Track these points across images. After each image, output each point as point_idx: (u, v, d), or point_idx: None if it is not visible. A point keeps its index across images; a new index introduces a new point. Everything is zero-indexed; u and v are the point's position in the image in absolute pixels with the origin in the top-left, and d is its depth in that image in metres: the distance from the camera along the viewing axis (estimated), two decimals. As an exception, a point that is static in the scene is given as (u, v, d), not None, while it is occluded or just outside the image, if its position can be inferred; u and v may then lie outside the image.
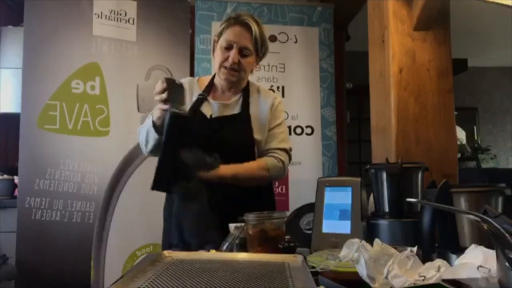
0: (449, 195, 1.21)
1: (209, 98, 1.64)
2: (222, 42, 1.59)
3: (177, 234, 1.44)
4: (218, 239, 1.26)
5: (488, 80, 6.15)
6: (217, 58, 1.62)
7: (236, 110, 1.65)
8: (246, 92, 1.68)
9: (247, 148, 1.61)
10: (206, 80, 1.72)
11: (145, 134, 1.55)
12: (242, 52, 1.59)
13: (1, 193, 3.13)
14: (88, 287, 2.60)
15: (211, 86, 1.68)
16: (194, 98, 1.64)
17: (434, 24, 2.13)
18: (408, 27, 2.14)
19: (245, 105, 1.65)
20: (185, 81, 1.67)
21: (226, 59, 1.58)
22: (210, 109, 1.62)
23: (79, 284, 2.57)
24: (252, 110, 1.65)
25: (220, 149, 1.43)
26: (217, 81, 1.68)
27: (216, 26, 2.75)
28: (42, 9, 2.72)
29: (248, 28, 1.59)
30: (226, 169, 1.47)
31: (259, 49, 1.64)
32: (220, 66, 1.60)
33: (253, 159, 1.62)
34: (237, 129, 1.61)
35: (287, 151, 1.67)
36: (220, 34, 1.62)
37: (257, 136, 1.62)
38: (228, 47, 1.58)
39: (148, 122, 1.52)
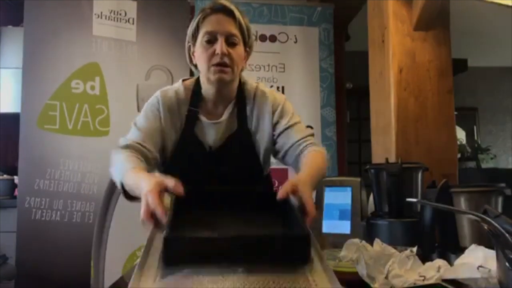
0: (449, 195, 1.21)
1: (201, 116, 1.38)
2: (202, 38, 1.31)
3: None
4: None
5: (488, 80, 6.14)
6: (200, 59, 1.33)
7: (234, 127, 1.39)
8: (241, 99, 1.41)
9: (253, 170, 1.40)
10: (190, 85, 1.42)
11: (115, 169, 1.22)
12: (229, 41, 1.31)
13: (1, 193, 3.12)
14: (88, 287, 2.60)
15: (198, 97, 1.39)
16: (183, 112, 1.38)
17: (434, 24, 2.14)
18: (408, 27, 2.14)
19: (242, 117, 1.39)
20: (169, 91, 1.39)
21: (212, 54, 1.29)
22: (204, 132, 1.38)
23: (79, 284, 2.56)
24: (252, 121, 1.40)
25: (224, 180, 1.32)
26: (205, 90, 1.38)
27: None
28: (42, 9, 2.72)
29: (229, 13, 1.33)
30: (306, 180, 1.08)
31: (246, 37, 1.36)
32: (208, 65, 1.31)
33: (261, 178, 1.43)
34: (240, 154, 1.38)
35: (313, 135, 1.40)
36: (195, 32, 1.34)
37: (263, 151, 1.40)
38: (211, 40, 1.30)
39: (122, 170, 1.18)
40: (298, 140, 1.34)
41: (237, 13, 1.33)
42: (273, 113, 1.39)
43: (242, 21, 1.34)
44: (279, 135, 1.38)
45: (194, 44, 1.36)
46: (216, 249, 0.74)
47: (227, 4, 1.33)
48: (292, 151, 1.34)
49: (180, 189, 0.96)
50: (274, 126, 1.39)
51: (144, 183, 1.01)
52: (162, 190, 0.97)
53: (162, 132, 1.35)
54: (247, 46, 1.39)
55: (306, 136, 1.35)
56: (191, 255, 0.74)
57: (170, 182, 0.97)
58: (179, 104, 1.38)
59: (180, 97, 1.39)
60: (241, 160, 1.38)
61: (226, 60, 1.30)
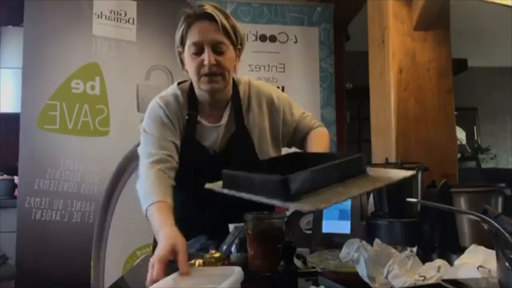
0: (449, 195, 1.21)
1: (202, 120, 1.39)
2: (189, 48, 1.31)
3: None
4: (219, 239, 1.25)
5: (488, 80, 6.15)
6: (190, 69, 1.34)
7: (232, 128, 1.40)
8: (236, 99, 1.42)
9: None
10: (185, 89, 1.43)
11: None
12: (216, 50, 1.29)
13: (1, 193, 3.12)
14: (88, 287, 2.60)
15: (194, 102, 1.40)
16: (183, 116, 1.39)
17: (434, 24, 2.14)
18: (408, 27, 2.14)
19: (239, 118, 1.40)
20: (169, 96, 1.41)
21: (201, 65, 1.29)
22: (206, 136, 1.39)
23: (79, 284, 2.57)
24: (249, 120, 1.42)
25: None
26: (199, 95, 1.40)
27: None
28: (42, 9, 2.72)
29: (211, 18, 1.29)
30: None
31: (234, 38, 1.34)
32: (198, 76, 1.31)
33: None
34: (242, 154, 1.39)
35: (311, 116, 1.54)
36: (182, 39, 1.34)
37: (263, 149, 1.42)
38: (198, 51, 1.30)
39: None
40: (308, 130, 1.49)
41: (220, 18, 1.30)
42: (271, 110, 1.44)
43: (227, 25, 1.31)
44: (292, 134, 1.48)
45: (183, 50, 1.35)
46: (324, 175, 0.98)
47: (210, 9, 1.30)
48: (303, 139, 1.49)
49: (186, 269, 0.95)
50: (282, 126, 1.46)
51: (160, 241, 1.04)
52: (169, 260, 0.98)
53: (174, 137, 1.36)
54: (237, 44, 1.37)
55: (313, 124, 1.49)
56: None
57: (180, 256, 0.98)
58: (180, 108, 1.39)
59: (179, 101, 1.39)
60: (241, 160, 1.38)
61: (215, 69, 1.29)
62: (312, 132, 1.47)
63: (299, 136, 1.49)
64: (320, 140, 1.45)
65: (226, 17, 1.33)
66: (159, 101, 1.39)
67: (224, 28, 1.30)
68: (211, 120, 1.40)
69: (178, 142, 1.36)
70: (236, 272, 0.85)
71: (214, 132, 1.39)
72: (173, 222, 1.12)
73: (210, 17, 1.29)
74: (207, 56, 1.28)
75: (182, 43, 1.34)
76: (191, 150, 1.37)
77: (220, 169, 1.34)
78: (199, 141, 1.38)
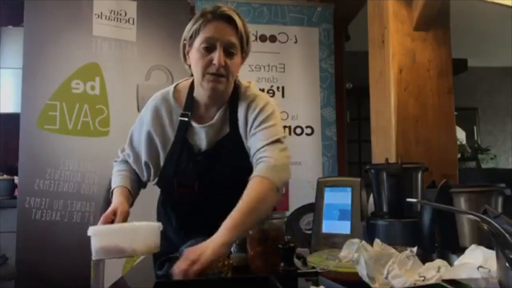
0: (449, 195, 1.21)
1: (192, 122, 1.38)
2: (200, 43, 1.28)
3: (174, 239, 1.42)
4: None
5: (488, 80, 6.15)
6: (196, 65, 1.31)
7: (225, 129, 1.39)
8: (234, 102, 1.40)
9: (242, 173, 1.33)
10: (183, 88, 1.42)
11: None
12: (228, 51, 1.29)
13: (1, 193, 3.13)
14: (88, 287, 2.60)
15: (191, 101, 1.39)
16: (175, 118, 1.38)
17: (434, 24, 2.14)
18: (408, 27, 2.14)
19: (233, 121, 1.38)
20: (158, 100, 1.41)
21: (209, 63, 1.28)
22: (195, 136, 1.38)
23: (79, 284, 2.56)
24: (239, 124, 1.39)
25: (214, 184, 1.34)
26: (198, 94, 1.38)
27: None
28: (42, 9, 2.73)
29: (231, 21, 1.30)
30: (226, 233, 1.11)
31: (245, 45, 1.35)
32: (204, 73, 1.29)
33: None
34: (230, 157, 1.37)
35: (279, 140, 1.31)
36: (194, 34, 1.31)
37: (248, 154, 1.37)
38: (210, 47, 1.28)
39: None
40: (258, 149, 1.29)
41: (238, 22, 1.31)
42: (247, 113, 1.37)
43: (243, 30, 1.32)
44: (250, 138, 1.35)
45: (190, 45, 1.34)
46: None
47: (229, 12, 1.30)
48: (253, 160, 1.31)
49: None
50: (250, 128, 1.36)
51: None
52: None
53: (152, 148, 1.40)
54: (244, 52, 1.37)
55: (267, 144, 1.28)
56: None
57: (117, 216, 1.30)
58: (170, 113, 1.39)
59: (170, 105, 1.40)
60: (229, 163, 1.37)
61: (222, 71, 1.28)
62: (253, 180, 1.23)
63: (252, 149, 1.33)
64: (250, 201, 1.18)
65: (243, 23, 1.33)
66: (150, 107, 1.41)
67: (240, 34, 1.31)
68: (201, 120, 1.39)
69: (156, 149, 1.40)
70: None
71: (203, 132, 1.38)
72: (122, 198, 1.37)
73: (228, 19, 1.30)
74: (218, 56, 1.27)
75: (192, 37, 1.31)
76: (178, 149, 1.37)
77: (202, 170, 1.35)
78: (187, 141, 1.38)
